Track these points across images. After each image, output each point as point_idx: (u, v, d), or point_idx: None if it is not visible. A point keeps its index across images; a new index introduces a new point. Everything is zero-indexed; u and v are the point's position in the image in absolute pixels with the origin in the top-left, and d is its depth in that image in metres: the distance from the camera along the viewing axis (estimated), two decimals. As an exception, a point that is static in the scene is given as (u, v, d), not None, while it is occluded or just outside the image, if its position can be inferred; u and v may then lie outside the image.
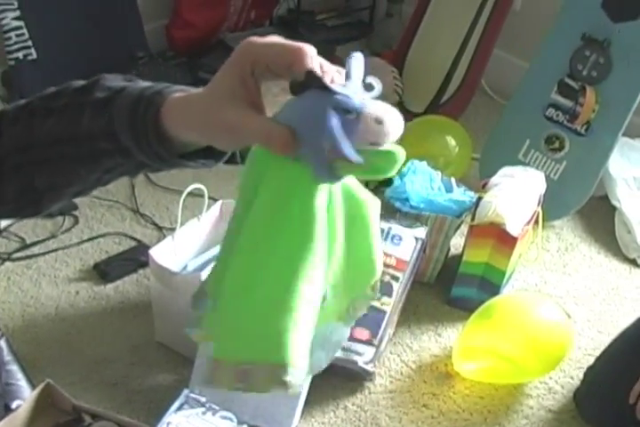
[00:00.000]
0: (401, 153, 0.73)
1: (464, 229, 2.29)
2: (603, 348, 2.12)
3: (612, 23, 2.37)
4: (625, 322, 2.25)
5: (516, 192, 2.15)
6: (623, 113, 2.40)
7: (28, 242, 2.41)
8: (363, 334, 1.99)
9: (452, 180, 2.31)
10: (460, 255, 2.22)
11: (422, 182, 2.24)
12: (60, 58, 2.79)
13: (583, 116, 2.45)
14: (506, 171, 2.23)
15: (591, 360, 2.11)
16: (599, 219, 2.64)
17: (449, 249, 2.35)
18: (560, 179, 2.53)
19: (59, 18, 2.78)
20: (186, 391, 1.86)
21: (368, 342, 2.00)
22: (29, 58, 2.74)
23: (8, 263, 2.34)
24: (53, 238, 2.43)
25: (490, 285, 2.21)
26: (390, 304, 2.02)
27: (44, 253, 2.38)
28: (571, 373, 2.12)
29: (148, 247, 2.26)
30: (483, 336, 2.03)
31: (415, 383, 2.07)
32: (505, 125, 2.68)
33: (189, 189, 2.07)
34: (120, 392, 1.99)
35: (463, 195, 2.27)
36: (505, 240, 2.12)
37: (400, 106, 2.98)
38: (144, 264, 2.28)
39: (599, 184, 2.53)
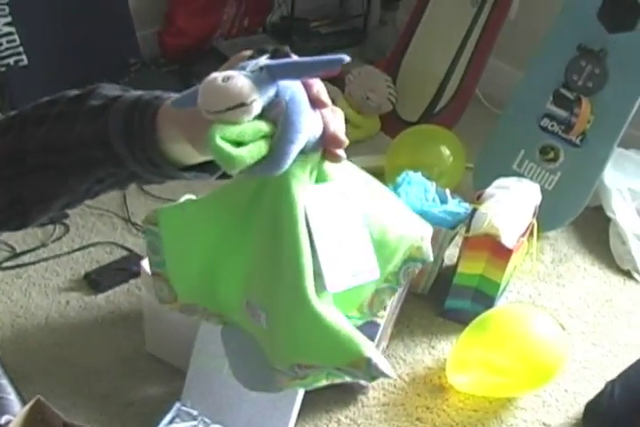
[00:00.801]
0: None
1: (458, 239, 2.28)
2: (596, 360, 2.12)
3: (607, 34, 2.37)
4: (619, 334, 2.25)
5: (511, 204, 2.13)
6: (618, 124, 2.39)
7: (18, 251, 2.38)
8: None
9: (447, 191, 2.29)
10: (454, 267, 2.21)
11: (417, 193, 2.22)
12: (52, 64, 2.77)
13: (578, 126, 2.44)
14: (501, 182, 2.22)
15: (585, 374, 2.10)
16: (593, 230, 2.63)
17: (443, 260, 2.33)
18: (554, 190, 2.52)
19: (50, 24, 2.76)
20: (177, 404, 1.85)
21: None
22: (20, 64, 2.72)
23: (-2, 272, 2.32)
24: (44, 247, 2.41)
25: (484, 296, 2.19)
26: (384, 316, 2.00)
27: (34, 263, 2.36)
28: (565, 386, 2.11)
29: (139, 257, 2.25)
30: (477, 349, 2.01)
31: (409, 396, 2.05)
32: (499, 135, 2.67)
33: (182, 199, 2.05)
34: (110, 405, 1.97)
35: (458, 206, 2.25)
36: (500, 252, 2.10)
37: (394, 115, 2.97)
38: (135, 274, 2.26)
39: (594, 195, 2.52)
